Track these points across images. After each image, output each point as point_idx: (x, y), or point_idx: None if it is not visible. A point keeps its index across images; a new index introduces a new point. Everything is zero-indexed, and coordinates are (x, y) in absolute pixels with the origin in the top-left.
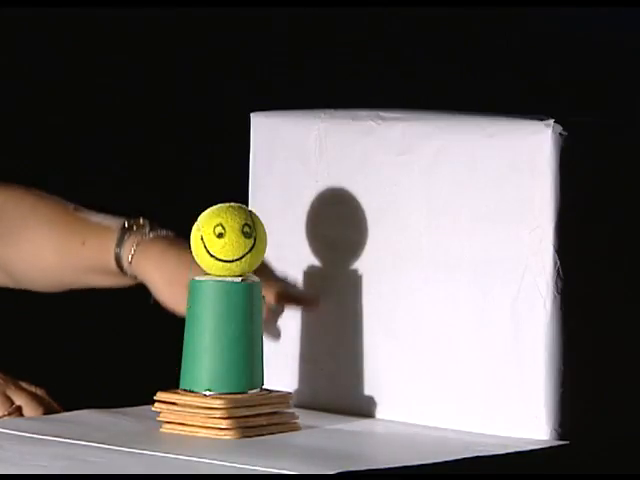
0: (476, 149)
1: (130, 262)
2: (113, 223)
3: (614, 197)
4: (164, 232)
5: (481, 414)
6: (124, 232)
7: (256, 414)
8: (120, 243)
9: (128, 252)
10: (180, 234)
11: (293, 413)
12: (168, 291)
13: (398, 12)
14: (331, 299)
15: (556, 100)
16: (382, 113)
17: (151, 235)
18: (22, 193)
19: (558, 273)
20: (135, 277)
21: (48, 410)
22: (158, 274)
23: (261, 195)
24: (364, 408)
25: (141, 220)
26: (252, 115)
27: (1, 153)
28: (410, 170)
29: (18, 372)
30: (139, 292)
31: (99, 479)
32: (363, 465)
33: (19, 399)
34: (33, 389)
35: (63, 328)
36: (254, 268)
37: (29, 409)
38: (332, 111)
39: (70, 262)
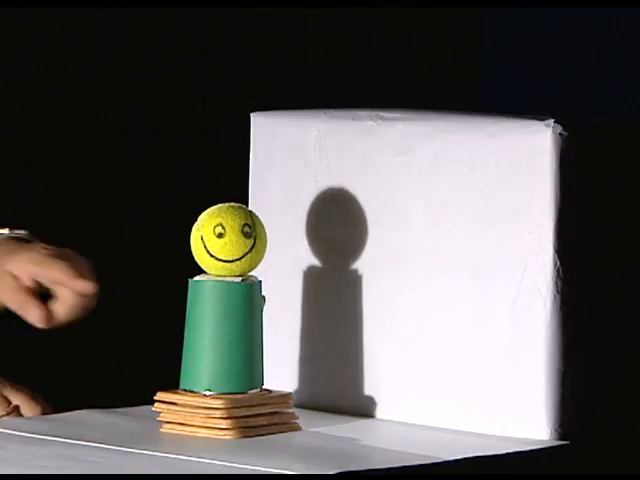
0: (476, 149)
1: None
2: None
3: (614, 197)
4: (19, 233)
5: (481, 414)
6: None
7: (256, 414)
8: None
9: None
10: (180, 234)
11: (293, 413)
12: (11, 297)
13: (397, 12)
14: (331, 299)
15: (556, 100)
16: (382, 113)
17: (8, 236)
18: None
19: (558, 273)
20: None
21: (45, 410)
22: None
23: (261, 195)
24: (364, 408)
25: (15, 227)
26: (252, 115)
27: None
28: (410, 170)
29: (18, 372)
30: (138, 292)
31: (99, 479)
32: (363, 465)
33: (16, 399)
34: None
35: (63, 328)
36: (254, 268)
37: (27, 408)
38: (332, 111)
39: None
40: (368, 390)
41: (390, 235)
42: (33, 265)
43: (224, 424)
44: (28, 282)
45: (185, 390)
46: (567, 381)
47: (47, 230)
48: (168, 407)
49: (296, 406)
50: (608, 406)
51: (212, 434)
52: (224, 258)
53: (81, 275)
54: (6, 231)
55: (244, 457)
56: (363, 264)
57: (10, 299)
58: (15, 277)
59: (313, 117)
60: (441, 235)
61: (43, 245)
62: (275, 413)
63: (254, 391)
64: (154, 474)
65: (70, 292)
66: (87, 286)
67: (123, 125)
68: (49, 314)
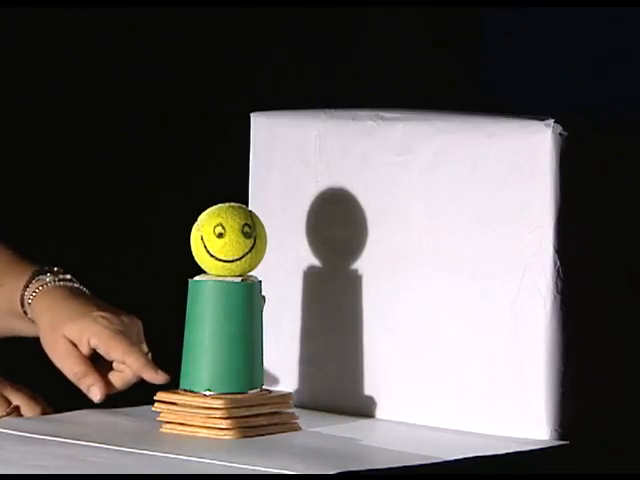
0: (476, 149)
1: (30, 304)
2: (29, 266)
3: (614, 197)
4: (72, 283)
5: (481, 414)
6: (34, 276)
7: (256, 414)
8: (27, 286)
9: (30, 295)
10: (180, 234)
11: (293, 413)
12: (49, 336)
13: (397, 12)
14: (331, 299)
15: (556, 100)
16: (382, 113)
17: (56, 283)
18: None
19: (558, 273)
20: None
21: (45, 410)
22: (45, 318)
23: (261, 195)
24: (364, 408)
25: (55, 268)
26: (252, 115)
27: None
28: (410, 170)
29: (18, 372)
30: (138, 292)
31: (99, 479)
32: (363, 465)
33: (16, 399)
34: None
35: None
36: (254, 268)
37: (27, 409)
38: (332, 111)
39: None
40: (368, 390)
41: (390, 235)
42: (96, 339)
43: (224, 424)
44: (86, 351)
45: (185, 390)
46: (567, 381)
47: (47, 230)
48: (168, 407)
49: (296, 406)
50: (608, 406)
51: (212, 434)
52: (224, 258)
53: (149, 364)
54: (49, 277)
55: (244, 457)
56: (363, 264)
57: (66, 368)
58: (72, 343)
59: (313, 117)
60: (441, 235)
61: (97, 305)
62: (275, 413)
63: (254, 391)
64: (154, 474)
65: (130, 370)
66: (160, 378)
67: (123, 125)
68: (106, 388)
